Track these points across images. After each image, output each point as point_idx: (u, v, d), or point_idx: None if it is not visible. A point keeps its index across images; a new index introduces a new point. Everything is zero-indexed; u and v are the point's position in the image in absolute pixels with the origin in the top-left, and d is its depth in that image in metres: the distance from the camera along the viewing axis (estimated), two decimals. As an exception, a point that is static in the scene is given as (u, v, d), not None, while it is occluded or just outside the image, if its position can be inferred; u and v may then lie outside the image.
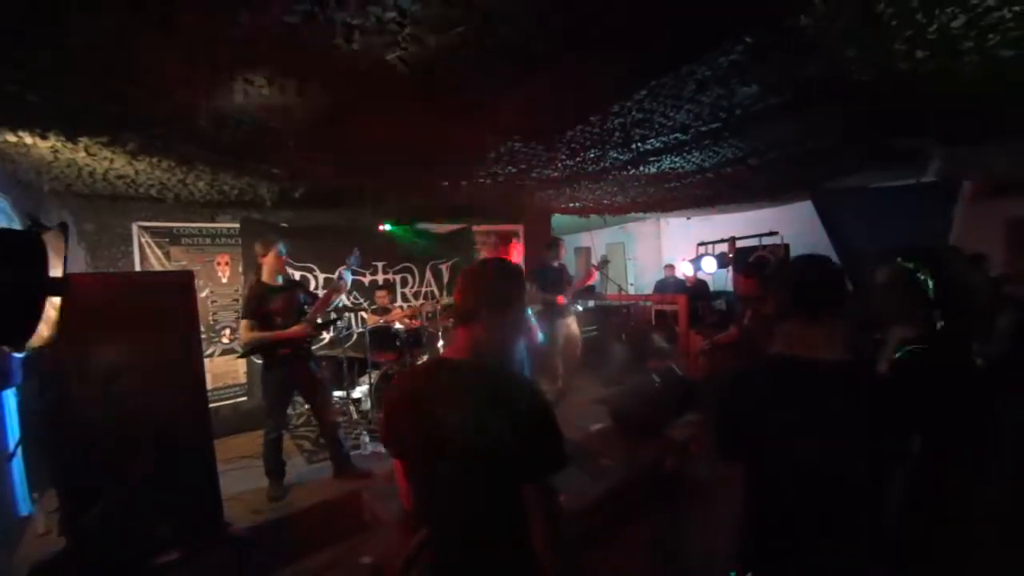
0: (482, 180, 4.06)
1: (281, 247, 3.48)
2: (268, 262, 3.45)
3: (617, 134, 3.03)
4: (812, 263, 1.28)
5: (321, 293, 4.03)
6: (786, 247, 5.84)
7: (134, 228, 4.56)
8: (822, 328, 1.19)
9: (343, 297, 3.79)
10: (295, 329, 3.37)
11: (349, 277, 3.72)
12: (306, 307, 3.53)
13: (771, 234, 6.16)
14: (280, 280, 3.50)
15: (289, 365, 3.41)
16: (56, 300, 1.34)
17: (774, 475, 1.16)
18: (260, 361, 3.56)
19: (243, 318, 3.34)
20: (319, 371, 3.64)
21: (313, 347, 3.63)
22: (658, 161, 3.75)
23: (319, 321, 3.59)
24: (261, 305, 3.33)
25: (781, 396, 1.17)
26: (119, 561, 1.71)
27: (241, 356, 4.04)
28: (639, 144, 3.27)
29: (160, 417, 1.88)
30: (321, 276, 5.38)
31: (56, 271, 1.35)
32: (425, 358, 4.92)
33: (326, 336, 4.98)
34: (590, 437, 4.00)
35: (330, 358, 4.83)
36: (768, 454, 1.16)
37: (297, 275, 5.13)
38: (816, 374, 1.16)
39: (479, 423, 1.08)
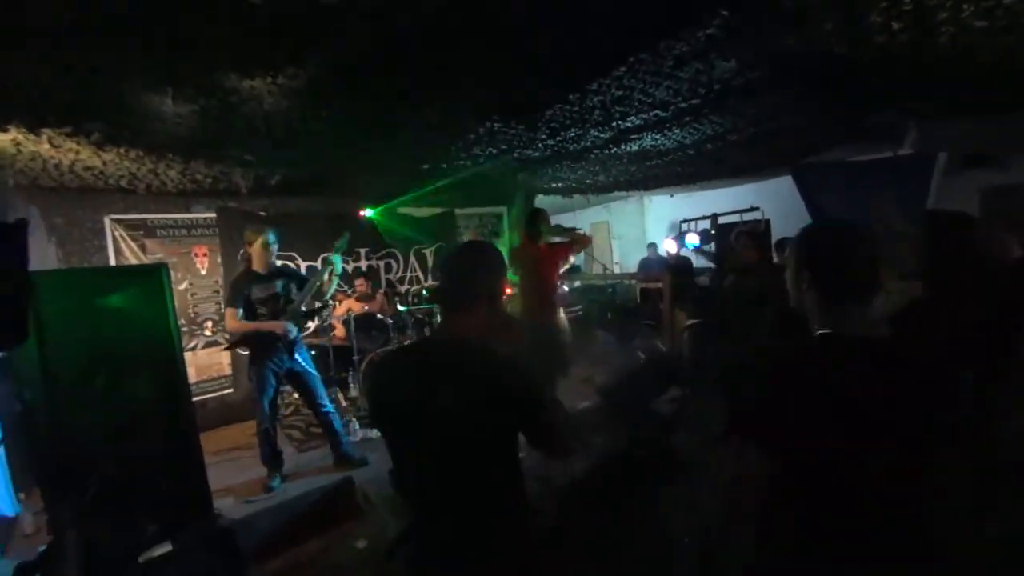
0: (463, 162, 4.01)
1: (271, 236, 3.38)
2: (256, 252, 3.36)
3: (597, 112, 3.00)
4: (831, 238, 1.15)
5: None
6: (767, 222, 5.90)
7: (106, 221, 4.43)
8: (860, 305, 1.09)
9: (333, 284, 3.71)
10: (273, 324, 3.32)
11: (339, 261, 3.63)
12: (293, 296, 3.46)
13: (752, 209, 6.22)
14: (271, 269, 3.44)
15: (273, 357, 3.36)
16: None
17: (814, 463, 1.05)
18: (245, 352, 3.51)
19: (227, 307, 3.30)
20: (306, 362, 3.58)
21: (301, 336, 3.57)
22: (639, 139, 3.74)
23: (304, 310, 3.53)
24: (245, 294, 3.29)
25: (827, 380, 1.05)
26: (107, 556, 1.70)
27: (227, 348, 3.99)
28: (620, 122, 3.25)
29: (141, 411, 1.86)
30: (303, 264, 5.30)
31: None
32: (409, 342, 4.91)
33: (311, 325, 4.94)
34: (577, 415, 4.05)
35: (316, 347, 4.80)
36: (811, 442, 1.04)
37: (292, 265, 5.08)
38: (863, 355, 1.06)
39: (465, 401, 1.10)
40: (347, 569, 2.50)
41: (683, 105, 3.00)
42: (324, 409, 3.59)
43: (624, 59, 2.27)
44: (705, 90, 2.76)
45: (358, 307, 5.06)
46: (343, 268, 5.46)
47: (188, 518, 2.01)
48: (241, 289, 3.30)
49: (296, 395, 4.81)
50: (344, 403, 4.84)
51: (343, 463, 3.57)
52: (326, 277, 3.61)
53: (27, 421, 1.85)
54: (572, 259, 4.93)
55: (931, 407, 1.05)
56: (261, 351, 3.35)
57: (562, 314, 4.98)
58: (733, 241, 4.28)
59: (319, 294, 3.61)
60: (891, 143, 4.26)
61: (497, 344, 1.23)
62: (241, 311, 3.27)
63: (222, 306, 4.96)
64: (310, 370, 3.59)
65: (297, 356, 3.49)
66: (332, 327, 5.11)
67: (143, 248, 4.59)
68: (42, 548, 1.71)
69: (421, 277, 6.30)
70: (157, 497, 1.86)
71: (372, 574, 2.43)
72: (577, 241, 3.90)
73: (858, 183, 4.23)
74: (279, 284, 3.42)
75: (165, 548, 1.88)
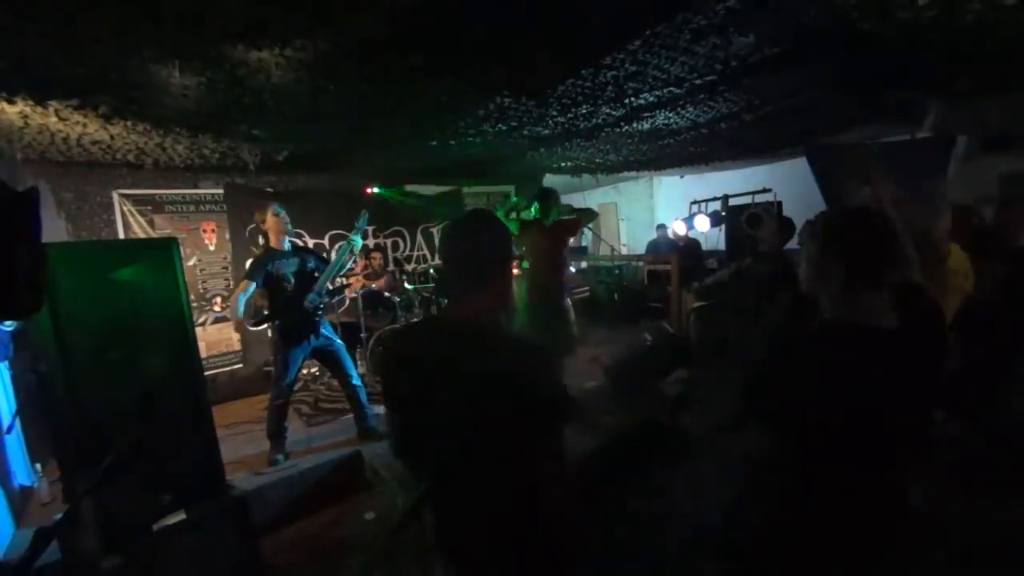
0: (472, 139, 3.96)
1: (276, 207, 3.40)
2: (270, 226, 3.37)
3: (610, 88, 2.94)
4: (860, 224, 1.13)
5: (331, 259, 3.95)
6: (779, 204, 5.82)
7: (115, 196, 4.44)
8: (877, 294, 1.09)
9: (350, 263, 3.71)
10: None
11: (359, 241, 3.62)
12: (316, 273, 3.47)
13: (764, 191, 6.12)
14: (288, 246, 3.44)
15: (304, 338, 3.40)
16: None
17: (823, 446, 1.07)
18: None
19: (243, 279, 3.29)
20: (332, 335, 3.63)
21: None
22: (652, 117, 3.67)
23: (329, 288, 3.54)
24: (267, 270, 3.29)
25: (842, 367, 1.06)
26: (122, 524, 1.75)
27: (254, 325, 3.93)
28: (632, 99, 3.19)
29: (156, 383, 1.88)
30: (311, 241, 5.30)
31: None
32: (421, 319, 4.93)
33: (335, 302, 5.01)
34: (584, 395, 4.08)
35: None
36: (821, 424, 1.06)
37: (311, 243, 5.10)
38: (877, 345, 1.07)
39: (481, 383, 1.10)
40: (356, 540, 2.56)
41: (698, 82, 2.93)
42: (353, 381, 3.63)
43: (640, 32, 2.21)
44: (721, 66, 2.69)
45: (366, 284, 5.08)
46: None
47: (201, 488, 2.05)
48: (263, 264, 3.29)
49: (305, 370, 4.88)
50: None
51: (366, 436, 3.62)
52: (347, 255, 3.60)
53: (43, 393, 1.88)
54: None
55: (936, 397, 1.05)
56: (293, 331, 3.37)
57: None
58: (744, 222, 4.23)
59: (341, 270, 3.62)
60: (909, 125, 4.16)
61: (504, 326, 1.22)
62: (254, 285, 3.25)
63: (231, 282, 5.00)
64: (337, 341, 3.63)
65: (323, 332, 3.52)
66: (343, 301, 5.15)
67: (151, 223, 4.60)
68: (58, 516, 1.76)
69: (428, 256, 6.29)
70: (171, 467, 1.89)
71: (381, 545, 2.48)
72: (584, 217, 3.89)
73: (874, 166, 4.15)
74: (301, 261, 3.43)
75: (179, 517, 1.93)
